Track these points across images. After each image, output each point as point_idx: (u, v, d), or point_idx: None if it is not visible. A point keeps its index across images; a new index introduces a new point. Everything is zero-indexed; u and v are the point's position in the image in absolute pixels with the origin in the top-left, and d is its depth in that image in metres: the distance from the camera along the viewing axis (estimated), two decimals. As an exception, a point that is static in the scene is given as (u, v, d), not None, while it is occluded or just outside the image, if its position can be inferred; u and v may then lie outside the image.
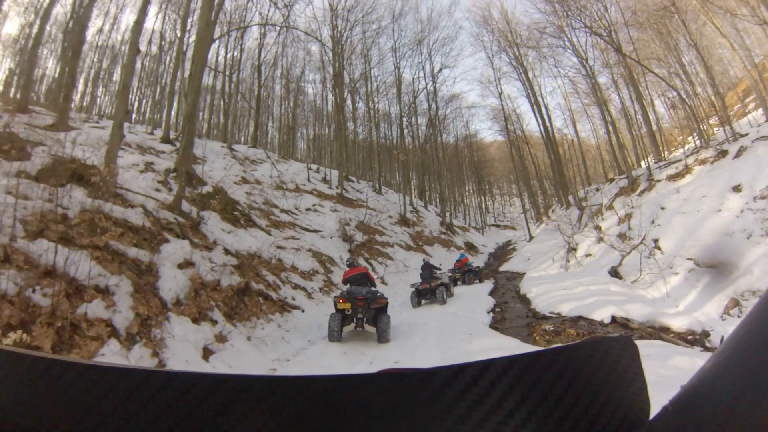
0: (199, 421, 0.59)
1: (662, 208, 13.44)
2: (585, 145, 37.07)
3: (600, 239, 15.11)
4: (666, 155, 24.15)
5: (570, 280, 11.71)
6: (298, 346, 6.91)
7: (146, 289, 5.65)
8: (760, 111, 20.14)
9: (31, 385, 0.66)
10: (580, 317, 8.67)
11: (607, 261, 13.34)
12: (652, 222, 13.13)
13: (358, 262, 9.14)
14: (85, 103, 29.05)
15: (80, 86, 29.21)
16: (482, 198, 53.11)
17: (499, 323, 8.97)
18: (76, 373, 0.64)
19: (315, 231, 15.02)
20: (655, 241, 12.07)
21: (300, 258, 11.13)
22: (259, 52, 30.41)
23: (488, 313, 9.82)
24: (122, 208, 7.29)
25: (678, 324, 7.90)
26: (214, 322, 6.13)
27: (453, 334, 7.42)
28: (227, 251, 8.42)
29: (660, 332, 7.56)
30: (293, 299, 8.68)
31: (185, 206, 9.58)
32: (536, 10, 29.28)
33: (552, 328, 7.93)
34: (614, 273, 12.10)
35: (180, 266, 6.73)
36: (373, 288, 8.41)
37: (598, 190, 26.65)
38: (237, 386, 0.60)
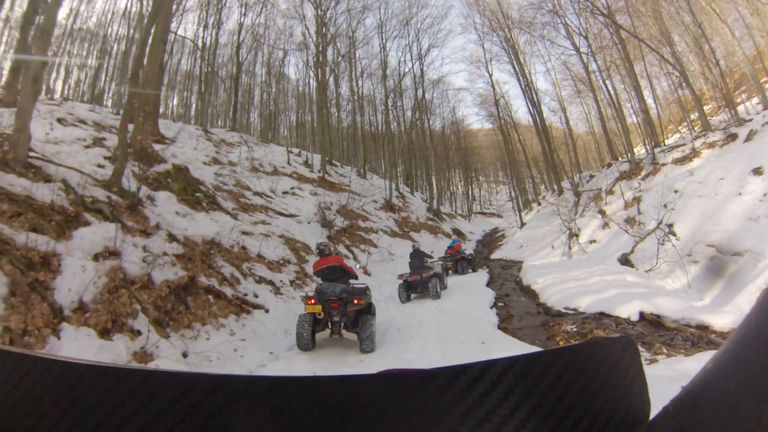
0: (199, 421, 0.58)
1: (676, 192, 12.21)
2: (574, 133, 35.84)
3: (605, 224, 13.82)
4: (663, 140, 23.06)
5: (578, 269, 10.35)
6: (254, 362, 5.24)
7: (32, 290, 4.00)
8: (756, 100, 19.73)
9: (32, 385, 0.64)
10: (602, 314, 7.36)
11: (615, 248, 12.11)
12: (665, 206, 11.88)
13: (331, 248, 7.22)
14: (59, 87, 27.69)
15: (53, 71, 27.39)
16: (469, 185, 51.81)
17: (506, 322, 7.51)
18: (76, 373, 0.64)
19: (291, 215, 13.36)
20: (670, 226, 10.89)
21: (269, 245, 9.47)
22: (239, 30, 28.25)
23: (491, 308, 8.38)
24: (29, 181, 5.60)
25: (719, 322, 6.60)
26: (136, 334, 4.49)
27: (459, 342, 5.81)
28: (172, 237, 6.77)
29: (706, 333, 6.21)
30: (255, 296, 7.02)
31: (135, 185, 7.94)
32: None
33: (575, 329, 6.51)
34: (625, 261, 10.91)
35: (96, 257, 5.07)
36: (352, 280, 6.81)
37: (591, 176, 25.64)
38: (237, 386, 0.60)
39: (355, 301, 5.91)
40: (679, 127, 29.91)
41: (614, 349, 0.63)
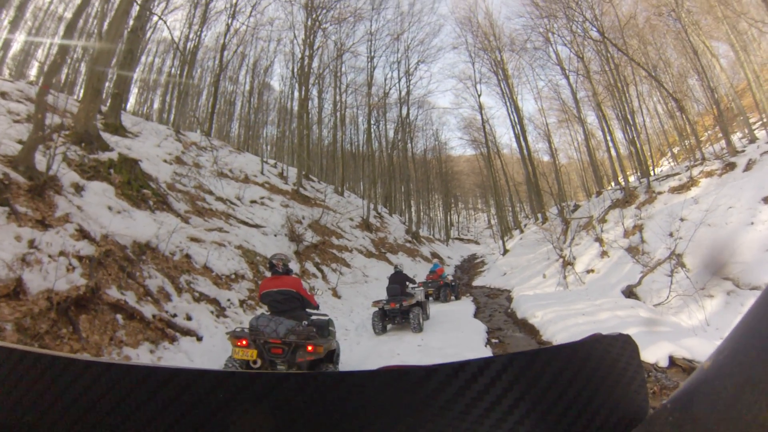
0: (200, 417, 0.58)
1: (682, 220, 11.21)
2: (558, 164, 35.46)
3: (603, 253, 12.66)
4: (652, 170, 22.56)
5: (581, 301, 9.05)
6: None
7: None
8: (739, 134, 20.24)
9: (34, 382, 0.63)
10: (623, 358, 5.93)
11: (616, 278, 10.92)
12: (671, 235, 10.85)
13: (288, 265, 5.11)
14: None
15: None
16: (448, 211, 50.96)
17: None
18: (78, 370, 0.63)
19: (256, 226, 11.75)
20: (678, 256, 9.75)
21: (222, 256, 7.82)
22: (226, 31, 26.87)
23: (485, 346, 6.90)
24: None
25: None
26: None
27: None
28: (84, 234, 5.13)
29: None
30: (188, 318, 5.38)
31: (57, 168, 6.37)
32: (522, 13, 27.37)
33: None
34: (630, 293, 9.72)
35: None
36: (309, 312, 5.00)
37: (576, 206, 24.89)
38: (238, 383, 0.60)
39: (309, 348, 4.17)
40: (661, 160, 29.84)
41: (613, 346, 0.64)
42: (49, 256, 4.28)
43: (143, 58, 30.43)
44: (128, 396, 0.59)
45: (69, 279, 4.19)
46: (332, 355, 4.66)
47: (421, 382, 0.57)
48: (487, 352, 6.42)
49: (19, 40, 24.12)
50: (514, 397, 0.57)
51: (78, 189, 6.72)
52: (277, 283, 4.82)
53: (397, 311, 8.30)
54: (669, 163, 26.85)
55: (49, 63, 9.07)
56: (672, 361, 5.84)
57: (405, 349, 6.50)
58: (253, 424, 0.57)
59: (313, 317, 5.04)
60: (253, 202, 14.76)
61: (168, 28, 22.88)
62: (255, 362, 4.03)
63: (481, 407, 0.56)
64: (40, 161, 6.14)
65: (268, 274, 8.47)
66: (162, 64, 34.02)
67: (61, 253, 4.44)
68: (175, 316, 5.20)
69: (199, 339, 5.16)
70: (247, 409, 0.57)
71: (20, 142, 7.55)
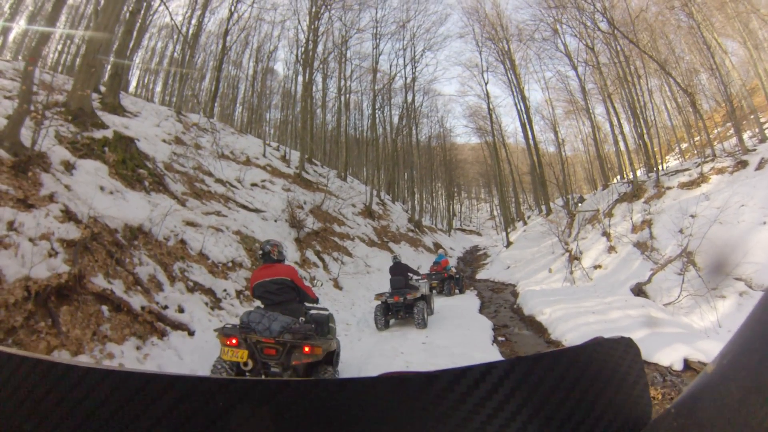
0: (200, 424, 0.57)
1: (692, 216, 10.87)
2: (563, 156, 35.12)
3: (611, 248, 12.35)
4: (659, 165, 22.21)
5: (590, 299, 8.80)
6: None
7: None
8: (748, 133, 19.96)
9: (32, 388, 0.62)
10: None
11: (625, 275, 10.64)
12: (681, 231, 10.56)
13: (282, 252, 4.63)
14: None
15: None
16: (451, 200, 50.52)
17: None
18: (77, 376, 0.61)
19: (256, 210, 11.43)
20: (689, 254, 9.47)
21: (219, 242, 7.49)
22: (230, 16, 26.27)
23: (492, 345, 6.62)
24: None
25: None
26: None
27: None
28: (70, 215, 4.80)
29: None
30: (180, 310, 5.07)
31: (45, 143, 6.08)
32: (531, 3, 26.63)
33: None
34: (639, 291, 9.43)
35: None
36: (307, 306, 4.56)
37: (582, 199, 24.55)
38: (238, 390, 0.59)
39: (306, 349, 3.65)
40: (666, 156, 29.41)
41: (616, 350, 0.63)
42: (30, 239, 3.96)
43: (146, 42, 30.21)
44: (128, 403, 0.57)
45: (50, 265, 3.87)
46: (332, 356, 4.22)
47: (422, 389, 0.56)
48: (494, 351, 6.15)
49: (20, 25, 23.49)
50: (516, 404, 0.56)
51: (68, 167, 6.40)
52: (270, 272, 4.34)
53: (401, 305, 7.92)
54: (676, 159, 26.45)
55: (37, 36, 8.72)
56: (687, 364, 5.57)
57: (409, 348, 6.18)
58: (253, 431, 0.56)
59: (312, 312, 4.67)
60: (254, 185, 14.44)
61: (169, 11, 22.40)
62: (246, 364, 3.59)
63: (484, 414, 0.55)
64: (27, 137, 5.81)
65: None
66: (165, 48, 33.83)
67: (43, 237, 4.12)
68: (166, 308, 4.88)
69: (191, 334, 4.83)
70: (246, 417, 0.56)
71: (8, 118, 7.24)
